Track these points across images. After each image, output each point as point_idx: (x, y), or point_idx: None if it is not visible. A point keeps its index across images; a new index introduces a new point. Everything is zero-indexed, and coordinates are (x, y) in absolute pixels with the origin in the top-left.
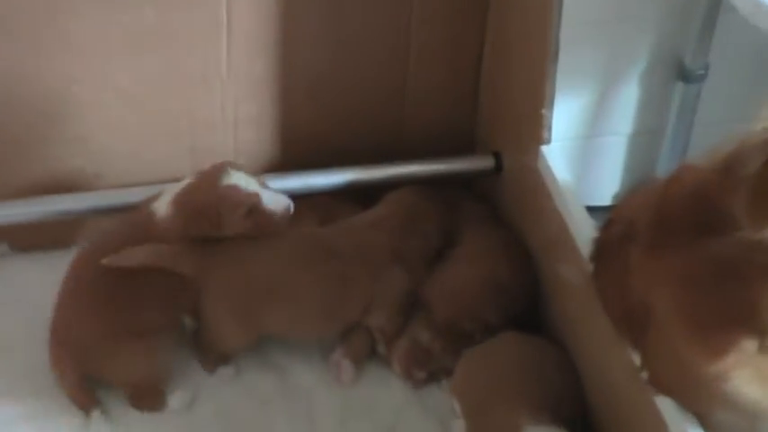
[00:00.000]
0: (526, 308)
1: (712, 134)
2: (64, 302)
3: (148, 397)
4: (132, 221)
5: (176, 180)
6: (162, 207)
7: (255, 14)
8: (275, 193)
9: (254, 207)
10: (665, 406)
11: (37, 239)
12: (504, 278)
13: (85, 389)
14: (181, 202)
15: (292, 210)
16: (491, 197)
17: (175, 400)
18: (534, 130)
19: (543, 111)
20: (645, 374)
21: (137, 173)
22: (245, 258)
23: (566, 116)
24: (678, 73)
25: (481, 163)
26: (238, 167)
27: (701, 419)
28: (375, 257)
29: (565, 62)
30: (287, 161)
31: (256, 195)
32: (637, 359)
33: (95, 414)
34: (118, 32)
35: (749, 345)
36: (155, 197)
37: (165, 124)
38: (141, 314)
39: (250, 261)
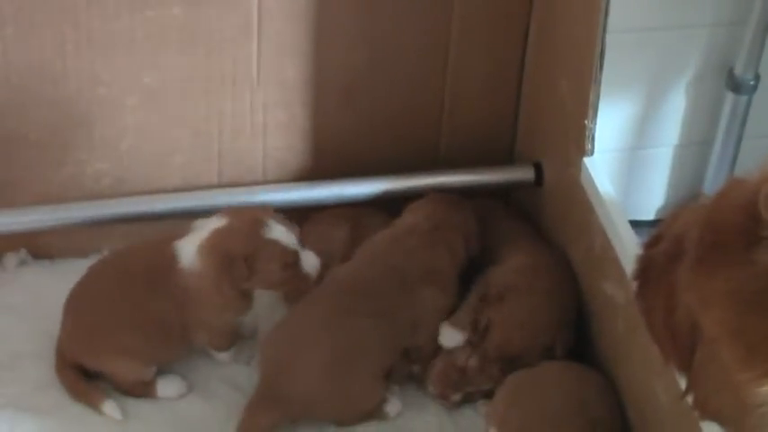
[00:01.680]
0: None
1: (762, 147)
2: (68, 308)
3: (138, 390)
4: (155, 252)
5: (202, 187)
6: (187, 253)
7: (287, 15)
8: (311, 254)
9: (291, 264)
10: None
11: (57, 247)
12: (567, 302)
13: (88, 386)
14: (210, 249)
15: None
16: (531, 210)
17: (165, 388)
18: (577, 140)
19: (586, 121)
20: (690, 398)
21: (162, 178)
22: (287, 317)
23: (610, 127)
24: (728, 83)
25: (521, 174)
26: (277, 218)
27: None
28: (408, 280)
29: (610, 71)
30: (318, 169)
31: (295, 253)
32: (682, 382)
33: (108, 405)
34: (144, 32)
35: None
36: (178, 234)
37: (192, 128)
38: (136, 332)
39: (292, 319)
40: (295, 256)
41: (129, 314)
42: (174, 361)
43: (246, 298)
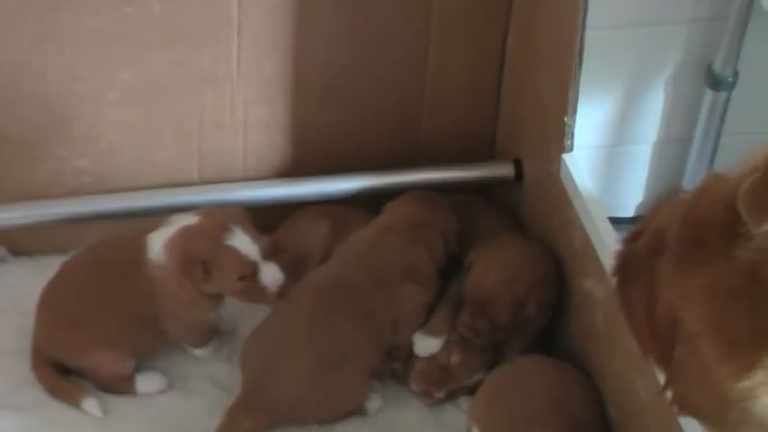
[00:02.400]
0: (541, 325)
1: (741, 143)
2: (42, 305)
3: (117, 386)
4: (127, 245)
5: (183, 184)
6: (155, 246)
7: (268, 11)
8: (272, 268)
9: (248, 276)
10: (691, 427)
11: (38, 244)
12: (547, 273)
13: (66, 383)
14: (174, 246)
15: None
16: (511, 206)
17: (144, 384)
18: (557, 137)
19: (566, 118)
20: (670, 394)
21: (142, 175)
22: (268, 320)
23: (589, 124)
24: (706, 79)
25: (501, 170)
26: (245, 225)
27: None
28: (387, 279)
29: (589, 68)
30: (299, 166)
31: (254, 265)
32: (662, 378)
33: (89, 402)
34: (124, 28)
35: None
36: (154, 225)
37: (172, 125)
38: (112, 325)
39: (274, 322)
40: (253, 268)
41: (104, 306)
42: (152, 354)
43: (212, 297)
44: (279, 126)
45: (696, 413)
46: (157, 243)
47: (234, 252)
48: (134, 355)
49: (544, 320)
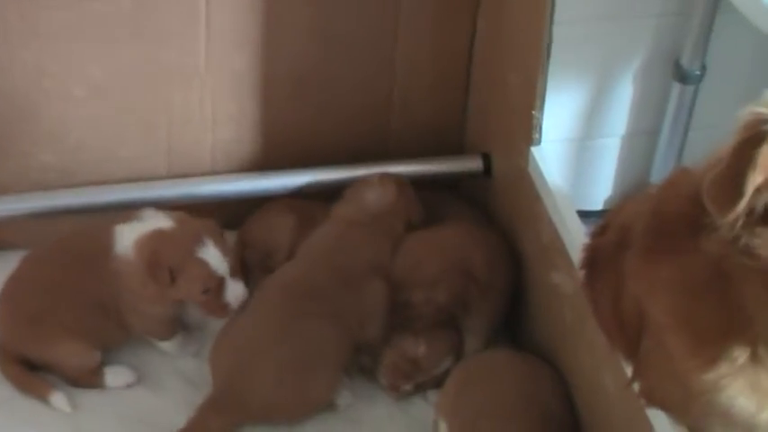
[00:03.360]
0: (495, 305)
1: (709, 137)
2: (3, 299)
3: (85, 379)
4: (92, 237)
5: (151, 179)
6: (124, 242)
7: (236, 6)
8: (238, 286)
9: (213, 290)
10: (658, 419)
11: (3, 239)
12: (472, 262)
13: (33, 377)
14: (145, 247)
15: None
16: (480, 200)
17: (112, 378)
18: (524, 131)
19: (534, 111)
20: (637, 386)
21: (110, 170)
22: (236, 323)
23: (557, 117)
24: (674, 73)
25: (469, 164)
26: (218, 239)
27: None
28: (352, 278)
29: (557, 61)
30: (267, 161)
31: (221, 281)
32: (629, 370)
33: (57, 397)
34: (90, 22)
35: (741, 353)
36: (124, 217)
37: (140, 120)
38: (75, 315)
39: (242, 325)
40: (219, 283)
41: (67, 296)
42: (118, 345)
43: (174, 299)
44: (247, 121)
45: (663, 405)
46: (127, 238)
47: (203, 265)
48: (99, 347)
49: (493, 304)
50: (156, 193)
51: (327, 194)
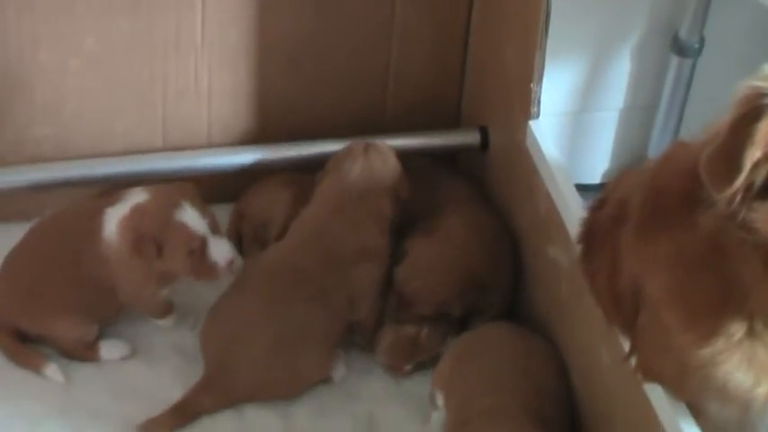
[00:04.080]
0: (498, 304)
1: (707, 110)
2: (3, 274)
3: (80, 352)
4: (86, 215)
5: (146, 152)
6: (110, 224)
7: None
8: (222, 243)
9: (196, 251)
10: (655, 394)
11: (2, 211)
12: (478, 269)
13: (27, 350)
14: (127, 225)
15: (237, 265)
16: (477, 174)
17: (107, 351)
18: (522, 104)
19: (532, 84)
20: (633, 361)
21: (105, 143)
22: (224, 306)
23: (555, 90)
24: (673, 46)
25: (466, 138)
26: (194, 200)
27: (692, 408)
28: (340, 261)
29: (555, 34)
30: (263, 134)
31: (202, 240)
32: (625, 345)
33: (51, 369)
34: None
35: (737, 329)
36: (114, 197)
37: (136, 93)
38: (71, 290)
39: (230, 309)
40: (201, 243)
41: (65, 271)
42: (114, 319)
43: (164, 276)
44: (243, 94)
45: (659, 380)
46: (112, 221)
47: (181, 227)
48: (95, 321)
49: (500, 296)
50: (152, 165)
51: (324, 167)
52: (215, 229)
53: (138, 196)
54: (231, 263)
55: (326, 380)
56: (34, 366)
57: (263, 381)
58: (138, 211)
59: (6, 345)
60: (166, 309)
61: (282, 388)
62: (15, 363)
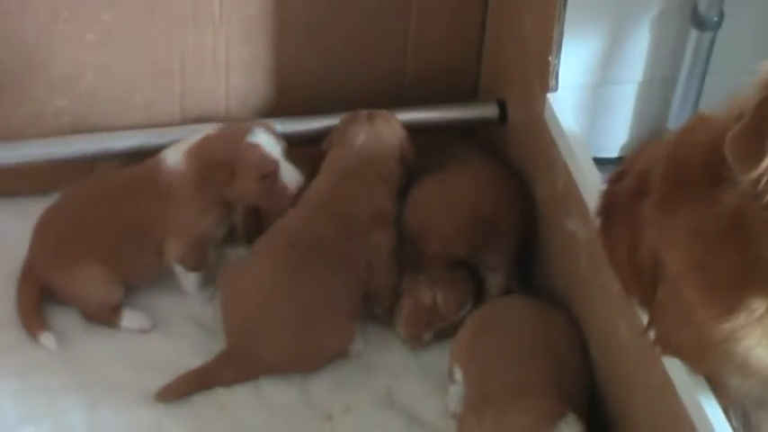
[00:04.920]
0: (505, 249)
1: (726, 84)
2: (40, 227)
3: (103, 314)
4: (139, 167)
5: (164, 125)
6: (173, 155)
7: None
8: (292, 168)
9: (269, 174)
10: (673, 367)
11: (17, 185)
12: (482, 207)
13: (37, 312)
14: (196, 152)
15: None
16: (495, 147)
17: (129, 319)
18: (541, 77)
19: (550, 57)
20: (652, 334)
21: (123, 116)
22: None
23: (574, 63)
24: (692, 19)
25: (485, 111)
26: (267, 127)
27: (710, 381)
28: (356, 227)
29: (574, 7)
30: (281, 107)
31: (275, 163)
32: (644, 318)
33: (45, 337)
34: None
35: (759, 304)
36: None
37: (154, 66)
38: (109, 243)
39: (250, 278)
40: (274, 166)
41: (103, 227)
42: (145, 281)
43: (226, 206)
44: (261, 67)
45: (678, 353)
46: (175, 153)
47: (256, 149)
48: (125, 278)
49: (509, 241)
50: (170, 138)
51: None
52: (287, 154)
53: (204, 131)
54: (299, 187)
55: (344, 353)
56: (32, 330)
57: (286, 352)
58: (209, 138)
59: (23, 299)
60: (205, 255)
61: (304, 360)
62: (19, 317)
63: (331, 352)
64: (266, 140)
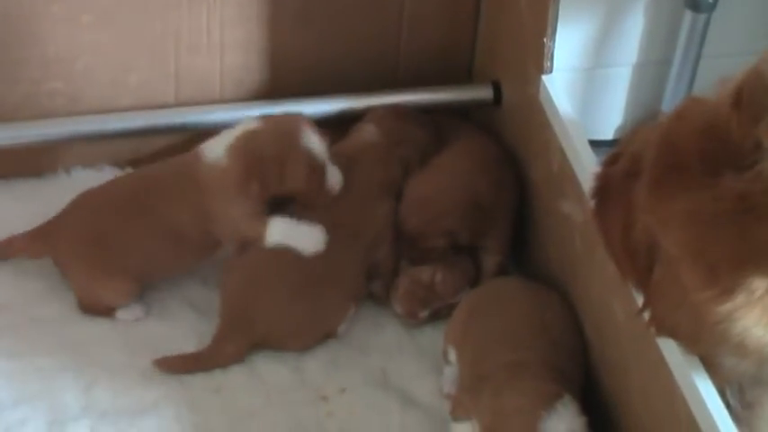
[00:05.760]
0: (502, 230)
1: (721, 66)
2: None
3: (100, 310)
4: (176, 161)
5: (159, 106)
6: (215, 150)
7: None
8: (336, 170)
9: (317, 175)
10: (668, 348)
11: (12, 166)
12: (478, 191)
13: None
14: (243, 148)
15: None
16: (490, 129)
17: (124, 310)
18: (536, 59)
19: (545, 39)
20: (647, 315)
21: (117, 97)
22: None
23: (568, 45)
24: (686, 1)
25: (479, 93)
26: (313, 127)
27: (705, 362)
28: (367, 197)
29: None
30: (276, 88)
31: (323, 165)
32: (639, 299)
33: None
34: None
35: (759, 285)
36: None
37: (148, 47)
38: (139, 253)
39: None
40: (322, 168)
41: (136, 235)
42: (167, 276)
43: (264, 201)
44: (255, 48)
45: (673, 334)
46: (217, 147)
47: (307, 150)
48: (150, 280)
49: (504, 221)
50: (165, 120)
51: (336, 123)
52: (329, 154)
53: (244, 125)
54: (336, 188)
55: (332, 334)
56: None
57: (283, 323)
58: (255, 134)
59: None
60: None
61: (300, 333)
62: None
63: (323, 330)
64: (316, 139)
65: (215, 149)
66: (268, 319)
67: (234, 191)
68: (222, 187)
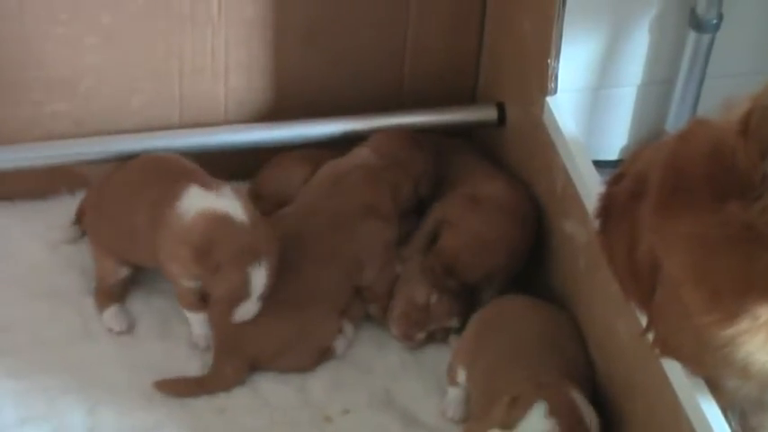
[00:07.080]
0: (510, 274)
1: (725, 87)
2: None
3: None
4: (168, 180)
5: (163, 128)
6: (191, 205)
7: None
8: (254, 306)
9: (233, 301)
10: (672, 369)
11: (16, 189)
12: (521, 239)
13: None
14: (205, 230)
15: None
16: (493, 150)
17: (110, 316)
18: (540, 80)
19: (549, 60)
20: (651, 336)
21: (122, 119)
22: None
23: (573, 66)
24: (691, 21)
25: (483, 114)
26: (272, 259)
27: (709, 383)
28: (345, 218)
29: (572, 9)
30: (280, 110)
31: (246, 297)
32: (643, 320)
33: None
34: None
35: (764, 311)
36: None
37: (152, 69)
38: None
39: None
40: (243, 298)
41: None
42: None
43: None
44: (260, 69)
45: (676, 355)
46: (195, 202)
47: (245, 281)
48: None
49: (522, 262)
50: (169, 142)
51: (341, 145)
52: (263, 294)
53: (234, 206)
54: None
55: (329, 352)
56: None
57: (270, 342)
58: (226, 224)
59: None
60: None
61: (290, 351)
62: None
63: (315, 346)
64: (259, 277)
65: (192, 204)
66: (254, 339)
67: (176, 256)
68: (172, 243)
